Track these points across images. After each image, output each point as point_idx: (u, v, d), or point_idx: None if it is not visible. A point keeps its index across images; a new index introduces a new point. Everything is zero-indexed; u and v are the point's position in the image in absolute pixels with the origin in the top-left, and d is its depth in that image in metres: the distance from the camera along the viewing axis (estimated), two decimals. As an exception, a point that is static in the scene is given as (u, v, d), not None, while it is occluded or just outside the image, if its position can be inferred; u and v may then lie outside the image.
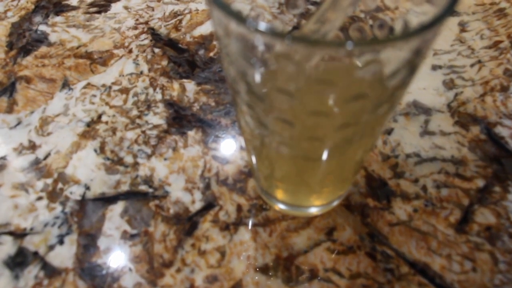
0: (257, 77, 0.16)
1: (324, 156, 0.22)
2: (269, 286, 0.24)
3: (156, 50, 0.35)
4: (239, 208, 0.27)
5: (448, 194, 0.27)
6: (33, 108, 0.32)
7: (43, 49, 0.36)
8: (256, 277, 0.24)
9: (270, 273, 0.24)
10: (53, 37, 0.37)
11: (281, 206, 0.26)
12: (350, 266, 0.25)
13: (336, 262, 0.25)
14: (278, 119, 0.19)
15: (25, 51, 0.36)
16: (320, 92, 0.16)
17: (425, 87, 0.33)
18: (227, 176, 0.28)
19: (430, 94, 0.32)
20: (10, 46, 0.36)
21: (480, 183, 0.28)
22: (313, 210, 0.26)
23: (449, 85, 0.33)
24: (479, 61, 0.34)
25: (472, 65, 0.34)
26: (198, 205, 0.27)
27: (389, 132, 0.30)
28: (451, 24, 0.37)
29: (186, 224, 0.26)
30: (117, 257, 0.25)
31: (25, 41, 0.36)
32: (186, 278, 0.24)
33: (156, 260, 0.25)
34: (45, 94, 0.33)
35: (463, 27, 0.37)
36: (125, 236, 0.26)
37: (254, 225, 0.26)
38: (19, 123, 0.31)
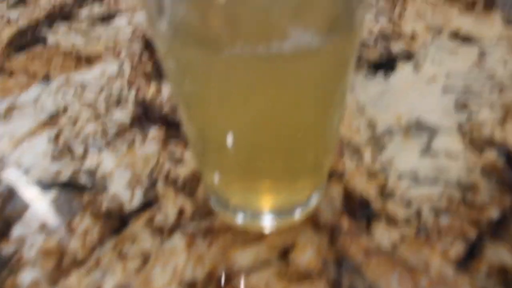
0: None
1: (275, 143, 0.18)
2: (188, 305, 0.18)
3: (145, 55, 0.34)
4: (180, 211, 0.22)
5: (449, 223, 0.21)
6: (5, 96, 0.31)
7: (38, 48, 0.36)
8: (178, 293, 0.19)
9: (196, 291, 0.19)
10: (51, 40, 0.37)
11: (232, 215, 0.21)
12: (303, 296, 0.18)
13: (285, 288, 0.19)
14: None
15: (20, 48, 0.36)
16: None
17: (433, 108, 0.28)
18: (177, 177, 0.24)
19: (438, 113, 0.27)
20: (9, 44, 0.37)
21: (493, 213, 0.21)
22: (269, 221, 0.21)
23: (461, 106, 0.27)
24: (499, 86, 0.29)
25: (490, 89, 0.29)
26: (135, 204, 0.23)
27: (380, 148, 0.25)
28: (471, 52, 0.33)
29: (115, 221, 0.22)
30: (26, 248, 0.21)
31: (24, 41, 0.37)
32: (93, 282, 0.19)
33: (68, 257, 0.20)
34: (23, 86, 0.32)
35: (483, 56, 0.32)
36: (43, 227, 0.22)
37: (192, 232, 0.21)
38: (-13, 109, 0.30)
